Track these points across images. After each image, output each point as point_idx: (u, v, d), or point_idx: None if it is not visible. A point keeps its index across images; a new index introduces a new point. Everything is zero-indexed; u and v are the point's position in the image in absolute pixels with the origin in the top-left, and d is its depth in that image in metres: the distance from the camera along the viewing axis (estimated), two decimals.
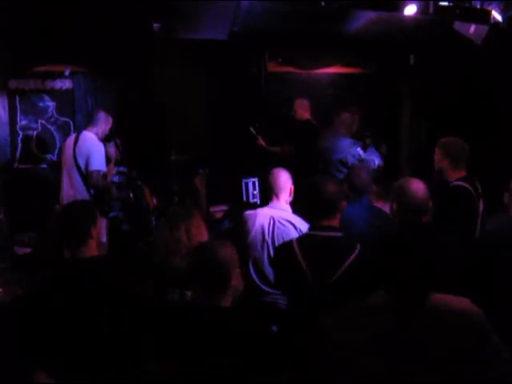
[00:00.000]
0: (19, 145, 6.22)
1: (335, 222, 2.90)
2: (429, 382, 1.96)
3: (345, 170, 5.17)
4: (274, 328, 3.05)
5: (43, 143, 6.30)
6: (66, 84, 6.35)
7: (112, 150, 5.48)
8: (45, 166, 6.32)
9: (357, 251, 2.75)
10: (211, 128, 6.66)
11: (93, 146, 5.02)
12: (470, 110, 6.14)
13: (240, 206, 5.35)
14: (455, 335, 1.95)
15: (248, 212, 3.80)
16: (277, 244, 3.50)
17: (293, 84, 7.13)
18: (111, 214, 5.29)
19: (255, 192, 6.06)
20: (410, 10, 5.35)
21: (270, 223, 3.63)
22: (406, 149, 7.50)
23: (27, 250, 5.04)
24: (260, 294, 3.59)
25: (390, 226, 3.67)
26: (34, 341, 2.39)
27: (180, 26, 5.24)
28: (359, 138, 5.51)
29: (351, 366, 2.05)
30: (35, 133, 6.28)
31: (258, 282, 3.61)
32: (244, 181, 6.04)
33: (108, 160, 5.24)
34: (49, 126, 6.34)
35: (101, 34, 5.21)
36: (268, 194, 3.81)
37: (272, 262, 3.41)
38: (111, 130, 5.30)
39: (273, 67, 7.03)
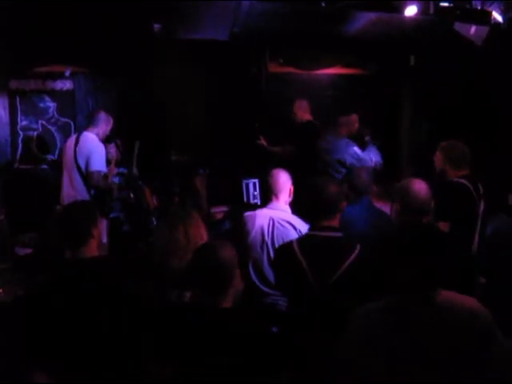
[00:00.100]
0: (20, 145, 6.22)
1: (335, 223, 2.91)
2: (432, 382, 1.97)
3: (343, 171, 5.17)
4: (274, 329, 3.04)
5: (44, 144, 6.30)
6: (66, 85, 6.35)
7: (112, 150, 5.48)
8: (45, 166, 6.31)
9: (357, 251, 2.76)
10: (211, 128, 6.66)
11: (93, 146, 5.02)
12: (471, 111, 6.13)
13: (240, 207, 5.34)
14: (461, 334, 1.96)
15: (247, 213, 3.80)
16: (276, 245, 3.49)
17: (293, 85, 7.13)
18: (112, 215, 5.28)
19: (256, 193, 6.05)
20: (411, 10, 5.35)
21: (269, 224, 3.63)
22: (406, 149, 7.50)
23: (28, 251, 5.04)
24: (260, 295, 3.58)
25: (391, 227, 3.67)
26: (35, 341, 2.39)
27: (180, 27, 5.25)
28: (358, 136, 5.48)
29: (356, 366, 2.06)
30: (36, 133, 6.28)
31: (257, 283, 3.61)
32: (244, 181, 6.03)
33: (108, 161, 5.24)
34: (49, 127, 6.35)
35: (101, 34, 5.22)
36: (267, 195, 3.81)
37: (272, 262, 3.41)
38: (112, 130, 5.30)
39: (273, 68, 7.03)
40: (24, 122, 6.22)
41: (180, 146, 6.09)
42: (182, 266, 2.85)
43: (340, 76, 7.49)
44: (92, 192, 5.01)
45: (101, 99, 6.45)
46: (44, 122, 6.31)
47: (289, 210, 3.74)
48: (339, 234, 2.88)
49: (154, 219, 5.25)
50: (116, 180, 5.46)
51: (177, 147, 6.04)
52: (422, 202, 3.08)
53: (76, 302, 2.41)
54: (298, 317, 2.88)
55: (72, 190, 5.04)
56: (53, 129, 6.35)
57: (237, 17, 5.15)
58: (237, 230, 3.82)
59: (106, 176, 5.13)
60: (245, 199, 6.00)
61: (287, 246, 2.95)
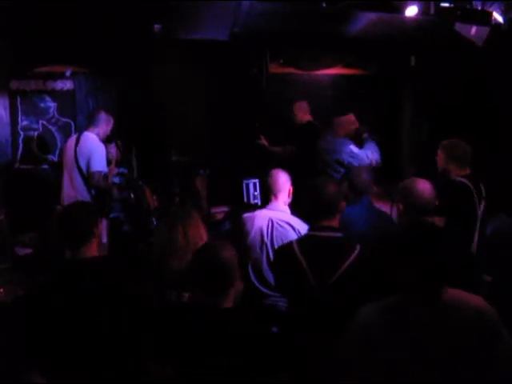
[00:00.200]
0: (20, 145, 6.22)
1: (335, 223, 2.91)
2: (437, 381, 1.97)
3: (342, 170, 5.16)
4: (274, 329, 3.04)
5: (44, 144, 6.30)
6: (67, 85, 6.35)
7: (113, 150, 5.48)
8: (46, 166, 6.31)
9: (356, 252, 2.76)
10: (212, 129, 6.66)
11: (94, 146, 5.02)
12: (471, 112, 6.13)
13: (241, 207, 5.34)
14: (467, 333, 1.96)
15: (246, 214, 3.79)
16: (276, 246, 3.49)
17: (293, 85, 7.13)
18: (112, 215, 5.28)
19: (256, 193, 6.05)
20: (411, 11, 5.35)
21: (268, 225, 3.62)
22: (407, 150, 7.50)
23: (28, 251, 5.04)
24: (259, 297, 3.58)
25: (391, 227, 3.67)
26: (35, 341, 2.39)
27: (180, 27, 5.24)
28: (356, 134, 5.45)
29: (357, 366, 2.06)
30: (36, 133, 6.28)
31: (257, 284, 3.60)
32: (245, 182, 6.03)
33: (109, 161, 5.24)
34: (50, 127, 6.35)
35: (101, 34, 5.21)
36: (266, 195, 3.80)
37: (272, 263, 3.40)
38: (112, 130, 5.30)
39: (274, 68, 7.03)
40: (24, 122, 6.22)
41: (180, 146, 6.09)
42: (182, 266, 2.86)
43: (340, 76, 7.50)
44: (92, 192, 5.01)
45: (101, 99, 6.45)
46: (44, 122, 6.31)
47: (288, 210, 3.73)
48: (339, 234, 2.88)
49: (154, 219, 5.25)
50: (116, 180, 5.46)
51: (177, 147, 6.04)
52: (425, 201, 3.08)
53: (76, 302, 2.41)
54: (298, 317, 2.88)
55: (72, 190, 5.04)
56: (53, 129, 6.35)
57: (237, 17, 5.14)
58: (236, 231, 3.81)
59: (106, 176, 5.13)
60: (245, 199, 6.00)
61: (287, 247, 2.95)
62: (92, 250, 2.59)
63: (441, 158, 3.93)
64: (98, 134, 5.11)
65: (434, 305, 2.01)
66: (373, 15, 5.52)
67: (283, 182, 3.72)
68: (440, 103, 6.62)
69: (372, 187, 3.79)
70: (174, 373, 2.15)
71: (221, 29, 5.31)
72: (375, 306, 2.13)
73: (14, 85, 6.11)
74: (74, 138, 5.19)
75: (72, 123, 6.41)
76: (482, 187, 3.81)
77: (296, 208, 3.75)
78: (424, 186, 3.12)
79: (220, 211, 5.79)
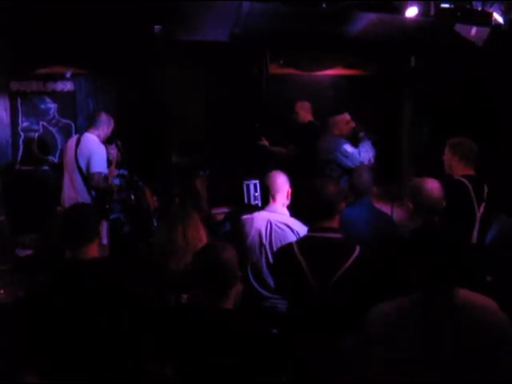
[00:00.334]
0: (21, 146, 6.22)
1: (335, 224, 2.90)
2: (445, 381, 1.97)
3: (338, 170, 5.16)
4: (274, 331, 3.04)
5: (45, 145, 6.30)
6: (67, 86, 6.36)
7: (113, 151, 5.47)
8: (46, 167, 6.31)
9: (356, 252, 2.76)
10: (212, 130, 6.67)
11: (94, 147, 5.02)
12: (471, 112, 6.13)
13: (241, 208, 5.33)
14: (477, 334, 1.97)
15: (245, 216, 3.76)
16: (274, 248, 3.47)
17: (294, 86, 7.13)
18: (112, 216, 5.28)
19: (256, 194, 6.05)
20: (411, 11, 5.37)
21: (267, 227, 3.59)
22: (407, 150, 7.51)
23: (28, 252, 5.04)
24: (259, 299, 3.56)
25: (391, 227, 3.68)
26: (35, 342, 2.39)
27: (181, 28, 5.24)
28: (353, 134, 5.45)
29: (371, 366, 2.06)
30: (37, 134, 6.28)
31: (256, 286, 3.58)
32: (245, 182, 6.03)
33: (109, 162, 5.24)
34: (50, 128, 6.35)
35: (101, 34, 5.21)
36: (265, 197, 3.78)
37: (272, 265, 3.38)
38: (112, 131, 5.30)
39: (274, 69, 7.03)
40: (25, 124, 6.22)
41: (180, 147, 6.09)
42: (181, 267, 2.86)
43: (341, 77, 7.50)
44: (93, 193, 5.01)
45: (101, 100, 6.45)
46: (45, 123, 6.31)
47: (286, 212, 3.70)
48: (339, 235, 2.88)
49: (154, 220, 5.25)
50: (116, 181, 5.46)
51: (177, 148, 6.04)
52: (434, 201, 3.08)
53: (76, 302, 2.41)
54: (298, 318, 2.88)
55: (73, 191, 5.04)
56: (54, 130, 6.36)
57: (237, 18, 5.15)
58: (235, 233, 3.79)
59: (106, 177, 5.13)
60: (245, 200, 6.00)
61: (287, 248, 2.95)
62: (93, 251, 2.59)
63: (447, 155, 3.93)
64: (98, 136, 5.11)
65: (445, 305, 2.01)
66: (373, 16, 5.52)
67: (281, 183, 3.70)
68: (440, 103, 6.62)
69: (372, 188, 3.79)
70: (174, 373, 2.15)
71: (221, 30, 5.31)
72: (387, 306, 2.13)
73: (15, 86, 6.11)
74: (74, 139, 5.19)
75: (72, 124, 6.41)
76: (486, 188, 3.79)
77: (296, 209, 3.73)
78: (433, 186, 3.12)
79: (220, 212, 5.78)
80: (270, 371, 2.15)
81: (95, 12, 4.72)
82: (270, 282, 3.48)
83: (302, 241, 2.98)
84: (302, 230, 3.42)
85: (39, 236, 5.19)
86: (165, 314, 2.37)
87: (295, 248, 2.85)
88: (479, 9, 5.32)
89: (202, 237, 3.09)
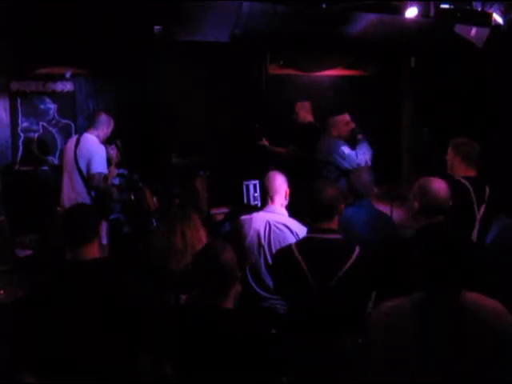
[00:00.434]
0: (20, 147, 6.22)
1: (334, 225, 2.90)
2: (450, 382, 1.97)
3: (336, 171, 5.16)
4: (274, 331, 3.04)
5: (44, 145, 6.30)
6: (67, 86, 6.36)
7: (113, 152, 5.47)
8: (46, 168, 6.31)
9: (356, 253, 2.76)
10: (212, 130, 6.67)
11: (94, 148, 5.01)
12: (471, 112, 6.14)
13: (241, 209, 5.34)
14: (482, 336, 1.96)
15: (243, 217, 3.74)
16: (273, 248, 3.46)
17: (294, 86, 7.14)
18: (112, 216, 5.28)
19: (256, 194, 6.05)
20: (411, 12, 5.37)
21: (265, 228, 3.57)
22: (407, 150, 7.51)
23: (28, 252, 5.04)
24: (258, 300, 3.54)
25: (391, 228, 3.68)
26: (35, 342, 2.39)
27: (181, 28, 5.24)
28: (351, 135, 5.44)
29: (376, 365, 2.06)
30: (36, 135, 6.28)
31: (255, 287, 3.56)
32: (245, 183, 6.03)
33: (109, 162, 5.24)
34: (50, 128, 6.35)
35: (101, 34, 5.21)
36: (263, 198, 3.78)
37: (271, 267, 3.37)
38: (112, 131, 5.30)
39: (274, 69, 7.04)
40: (25, 124, 6.22)
41: (180, 147, 6.09)
42: (180, 268, 2.85)
43: (341, 77, 7.52)
44: (92, 193, 5.01)
45: (101, 101, 6.45)
46: (45, 124, 6.31)
47: (285, 212, 3.69)
48: (338, 236, 2.88)
49: (154, 221, 5.25)
50: (116, 181, 5.46)
51: (177, 148, 6.04)
52: (440, 201, 3.06)
53: (76, 302, 2.41)
54: (299, 319, 2.88)
55: (72, 191, 5.03)
56: (53, 130, 6.35)
57: (238, 19, 5.15)
58: (234, 234, 3.78)
59: (106, 178, 5.12)
60: (245, 200, 6.00)
61: (286, 249, 2.94)
62: (93, 252, 2.59)
63: (449, 155, 3.92)
64: (97, 136, 5.10)
65: (451, 307, 2.01)
66: (373, 16, 5.53)
67: (280, 184, 3.68)
68: (440, 103, 6.63)
69: (372, 189, 3.79)
70: (173, 373, 2.15)
71: (221, 30, 5.31)
72: (387, 307, 2.12)
73: (15, 86, 6.11)
74: (73, 139, 5.18)
75: (72, 125, 6.41)
76: (487, 192, 3.78)
77: (296, 210, 3.73)
78: (439, 186, 3.10)
79: (220, 212, 5.78)
80: (269, 371, 2.15)
81: (95, 12, 4.72)
82: (269, 282, 3.47)
83: (301, 242, 2.97)
84: (300, 230, 3.41)
85: (39, 236, 5.19)
86: (165, 314, 2.37)
87: (295, 249, 2.84)
88: (479, 9, 5.33)
89: (201, 237, 3.08)
